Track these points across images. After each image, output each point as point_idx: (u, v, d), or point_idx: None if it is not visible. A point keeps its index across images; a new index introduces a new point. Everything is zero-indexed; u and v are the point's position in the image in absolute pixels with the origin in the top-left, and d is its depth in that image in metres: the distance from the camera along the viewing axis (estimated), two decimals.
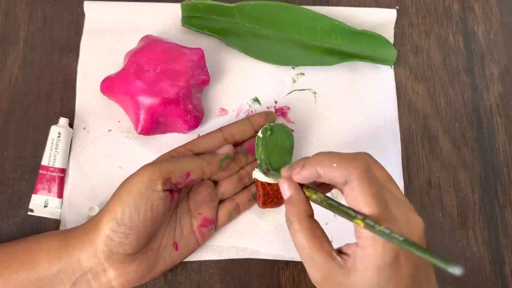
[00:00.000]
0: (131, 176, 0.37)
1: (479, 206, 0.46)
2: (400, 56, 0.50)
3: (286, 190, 0.33)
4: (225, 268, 0.43)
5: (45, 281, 0.35)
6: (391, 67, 0.49)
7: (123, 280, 0.36)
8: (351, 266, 0.29)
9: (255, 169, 0.41)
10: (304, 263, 0.32)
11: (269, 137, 0.42)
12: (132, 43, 0.46)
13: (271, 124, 0.42)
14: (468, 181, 0.47)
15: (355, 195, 0.29)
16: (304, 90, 0.48)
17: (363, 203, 0.28)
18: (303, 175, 0.32)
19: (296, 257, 0.43)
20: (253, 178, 0.41)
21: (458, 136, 0.48)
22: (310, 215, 0.32)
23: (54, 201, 0.43)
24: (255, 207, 0.44)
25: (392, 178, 0.32)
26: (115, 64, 0.46)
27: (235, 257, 0.43)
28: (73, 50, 0.48)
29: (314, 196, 0.32)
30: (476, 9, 0.52)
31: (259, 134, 0.41)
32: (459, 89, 0.49)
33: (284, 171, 0.34)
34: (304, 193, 0.33)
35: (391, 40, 0.50)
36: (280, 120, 0.47)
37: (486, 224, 0.45)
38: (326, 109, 0.48)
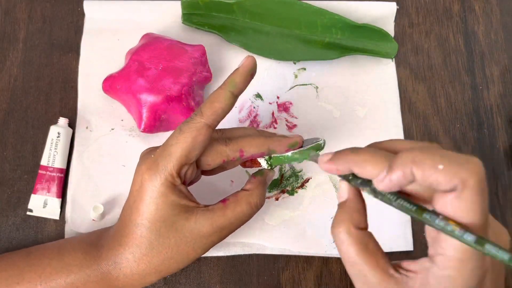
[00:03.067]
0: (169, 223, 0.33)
1: None
2: (400, 56, 0.50)
3: (343, 192, 0.28)
4: (225, 268, 0.43)
5: None
6: (392, 60, 0.49)
7: None
8: (415, 286, 0.25)
9: (265, 161, 0.38)
10: (353, 280, 0.28)
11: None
12: (133, 41, 0.46)
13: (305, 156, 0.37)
14: None
15: (463, 206, 0.23)
16: (306, 85, 0.48)
17: (469, 216, 0.23)
18: (393, 180, 0.25)
19: (303, 252, 0.43)
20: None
21: (458, 136, 0.48)
22: (363, 227, 0.28)
23: (53, 201, 0.42)
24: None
25: None
26: (116, 62, 0.46)
27: (242, 253, 0.43)
28: (73, 49, 0.48)
29: (375, 194, 0.27)
30: (477, 9, 0.52)
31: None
32: (460, 89, 0.49)
33: (338, 161, 0.28)
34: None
35: (392, 34, 0.50)
36: (283, 115, 0.47)
37: None
38: (329, 103, 0.48)
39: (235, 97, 0.34)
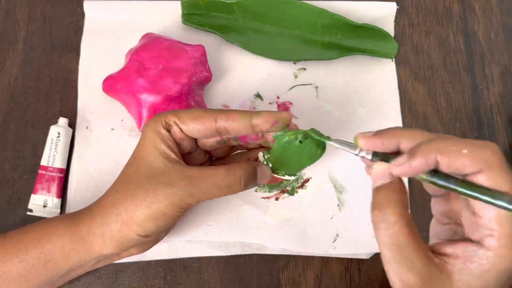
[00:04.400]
0: (157, 194, 0.33)
1: None
2: (400, 56, 0.50)
3: (384, 173, 0.28)
4: (225, 269, 0.43)
5: (65, 268, 0.35)
6: (392, 60, 0.49)
7: (142, 250, 0.37)
8: (455, 269, 0.26)
9: (262, 154, 0.37)
10: (394, 266, 0.26)
11: (291, 147, 0.35)
12: (133, 41, 0.46)
13: (304, 132, 0.34)
14: None
15: (496, 183, 0.24)
16: (306, 85, 0.48)
17: (505, 190, 0.24)
18: (414, 166, 0.26)
19: (303, 252, 0.43)
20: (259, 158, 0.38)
21: (458, 136, 0.48)
22: (408, 207, 0.27)
23: (53, 201, 0.42)
24: (261, 203, 0.44)
25: None
26: (116, 62, 0.46)
27: (241, 253, 0.43)
28: (73, 49, 0.48)
29: (425, 178, 0.26)
30: (477, 9, 0.52)
31: (282, 139, 0.35)
32: (460, 89, 0.49)
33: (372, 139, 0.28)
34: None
35: (392, 33, 0.50)
36: None
37: None
38: (329, 103, 0.48)
39: (250, 126, 0.34)
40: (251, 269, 0.43)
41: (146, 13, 0.48)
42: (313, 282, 0.43)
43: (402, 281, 0.26)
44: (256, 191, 0.44)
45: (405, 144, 0.27)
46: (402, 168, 0.26)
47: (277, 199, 0.44)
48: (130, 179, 0.34)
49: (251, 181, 0.35)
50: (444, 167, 0.25)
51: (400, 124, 0.47)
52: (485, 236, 0.25)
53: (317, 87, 0.48)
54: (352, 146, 0.30)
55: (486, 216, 0.25)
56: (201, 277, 0.43)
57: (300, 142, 0.35)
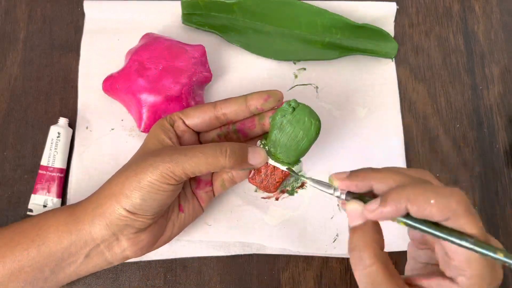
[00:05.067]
0: (144, 163, 0.34)
1: (479, 206, 0.46)
2: (400, 56, 0.50)
3: (358, 214, 0.29)
4: (225, 269, 0.43)
5: (57, 255, 0.35)
6: (392, 60, 0.49)
7: (136, 249, 0.36)
8: None
9: (260, 142, 0.39)
10: None
11: (286, 124, 0.37)
12: (133, 41, 0.46)
13: (296, 101, 0.38)
14: (468, 181, 0.47)
15: (464, 229, 0.26)
16: (306, 85, 0.48)
17: (474, 234, 0.26)
18: (385, 213, 0.27)
19: (303, 252, 0.43)
20: None
21: (458, 136, 0.48)
22: (383, 247, 0.29)
23: (53, 201, 0.43)
24: (261, 203, 0.44)
25: None
26: (116, 62, 0.46)
27: (241, 253, 0.43)
28: (73, 49, 0.48)
29: (401, 221, 0.28)
30: (477, 9, 0.52)
31: (276, 115, 0.37)
32: (460, 89, 0.49)
33: (343, 180, 0.30)
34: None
35: (392, 34, 0.50)
36: None
37: (486, 224, 0.45)
38: (328, 103, 0.48)
39: (245, 105, 0.38)
40: (251, 269, 0.43)
41: (146, 13, 0.48)
42: (313, 282, 0.43)
43: None
44: (256, 191, 0.44)
45: (377, 186, 0.29)
46: (374, 214, 0.28)
47: (277, 199, 0.44)
48: (127, 163, 0.37)
49: (240, 158, 0.36)
50: (414, 214, 0.27)
51: (399, 121, 0.47)
52: (457, 275, 0.27)
53: (317, 87, 0.48)
54: (328, 185, 0.31)
55: (457, 258, 0.27)
56: (201, 277, 0.43)
57: (294, 108, 0.37)
